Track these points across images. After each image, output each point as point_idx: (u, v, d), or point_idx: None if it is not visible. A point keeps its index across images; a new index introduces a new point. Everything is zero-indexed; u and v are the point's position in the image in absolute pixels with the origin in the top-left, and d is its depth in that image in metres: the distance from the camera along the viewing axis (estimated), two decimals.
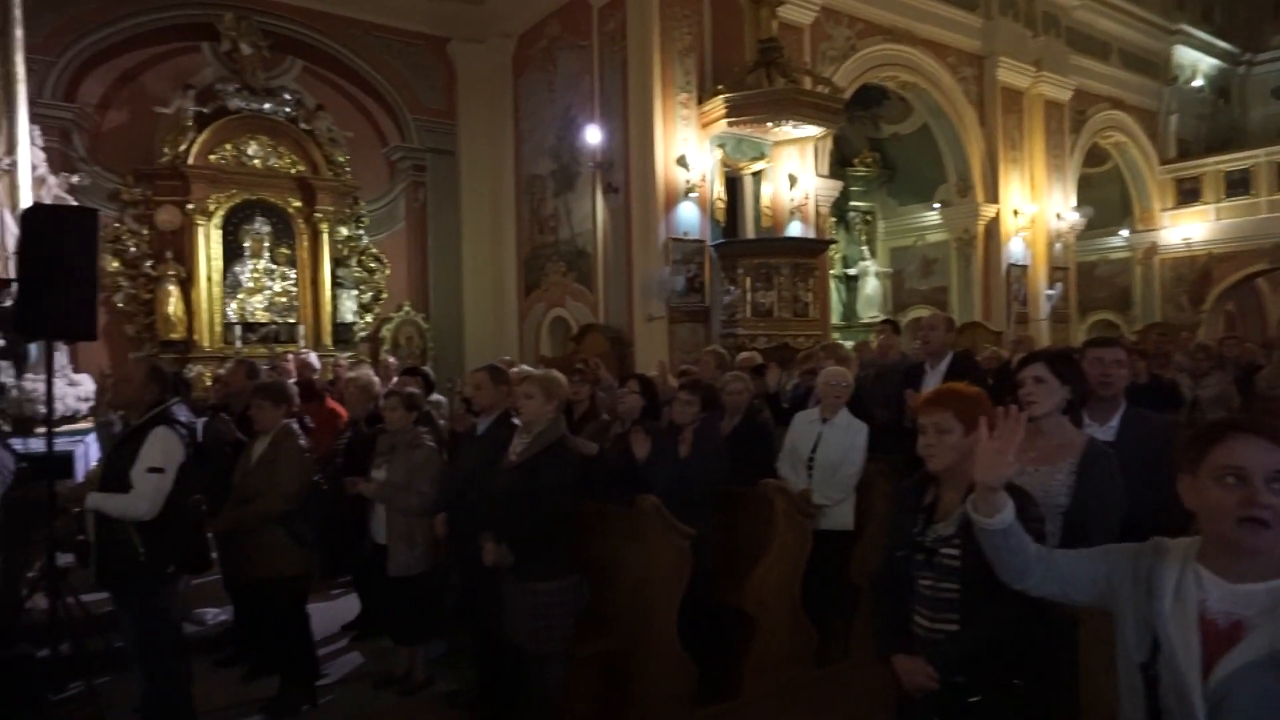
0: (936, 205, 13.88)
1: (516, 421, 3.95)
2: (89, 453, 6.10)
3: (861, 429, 4.70)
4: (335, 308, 11.01)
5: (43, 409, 5.32)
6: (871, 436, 4.75)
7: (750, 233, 10.39)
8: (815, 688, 4.51)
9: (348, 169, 11.25)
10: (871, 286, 14.69)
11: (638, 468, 4.28)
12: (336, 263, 11.09)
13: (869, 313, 14.33)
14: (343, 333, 11.08)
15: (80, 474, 5.56)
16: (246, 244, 10.59)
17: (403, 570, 4.44)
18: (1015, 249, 13.75)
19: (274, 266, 10.76)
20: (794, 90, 9.63)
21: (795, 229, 10.64)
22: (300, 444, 4.34)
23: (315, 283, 10.90)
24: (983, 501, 1.86)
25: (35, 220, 4.42)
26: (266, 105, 10.66)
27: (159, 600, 3.72)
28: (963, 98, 13.02)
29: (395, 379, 6.51)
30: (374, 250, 11.69)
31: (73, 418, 6.54)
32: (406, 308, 11.90)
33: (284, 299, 10.79)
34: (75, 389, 6.70)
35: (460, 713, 4.41)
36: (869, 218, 15.09)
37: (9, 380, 5.61)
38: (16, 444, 4.66)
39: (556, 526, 3.68)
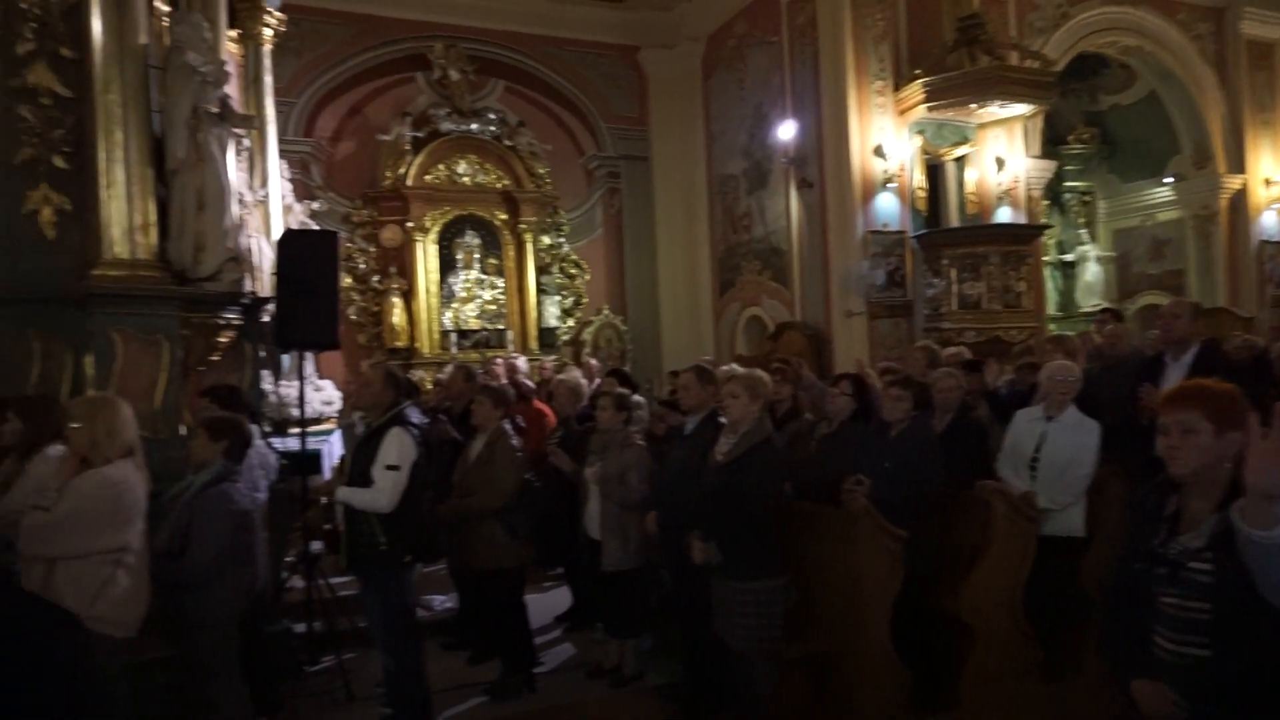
0: (1168, 180, 12.56)
1: (723, 420, 3.97)
2: (332, 451, 6.76)
3: (1093, 428, 4.34)
4: (540, 313, 11.56)
5: (295, 412, 5.96)
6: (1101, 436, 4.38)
7: (954, 221, 9.87)
8: (1041, 704, 4.21)
9: (548, 180, 11.77)
10: (1092, 273, 13.51)
11: (846, 468, 4.18)
12: (540, 270, 11.63)
13: (1089, 301, 13.18)
14: (547, 337, 11.61)
15: (326, 471, 6.17)
16: (459, 256, 11.33)
17: (615, 565, 4.58)
18: (1268, 223, 12.18)
19: (484, 276, 11.44)
20: (999, 68, 9.05)
21: (1004, 215, 9.99)
22: (513, 443, 4.60)
23: (521, 290, 11.49)
24: (1256, 511, 1.66)
25: (288, 244, 4.97)
26: (474, 126, 11.37)
27: (398, 586, 4.07)
28: (1198, 57, 11.70)
29: (598, 380, 6.74)
30: (574, 257, 12.16)
31: (318, 420, 7.29)
32: (605, 311, 12.29)
33: (493, 306, 11.45)
34: (320, 394, 7.46)
35: (670, 706, 4.49)
36: (1087, 198, 13.89)
37: (269, 387, 6.32)
38: (275, 443, 5.24)
39: (764, 526, 3.67)
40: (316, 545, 5.69)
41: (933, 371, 5.07)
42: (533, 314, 11.48)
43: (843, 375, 4.94)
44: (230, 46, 6.37)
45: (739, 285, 11.54)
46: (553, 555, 5.91)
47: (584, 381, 6.01)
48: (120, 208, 4.57)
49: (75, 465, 3.22)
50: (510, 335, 11.33)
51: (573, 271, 12.12)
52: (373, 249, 11.04)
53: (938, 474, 4.20)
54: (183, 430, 4.69)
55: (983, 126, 9.83)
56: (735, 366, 4.76)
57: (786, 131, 9.95)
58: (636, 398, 6.49)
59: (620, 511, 4.60)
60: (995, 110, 9.40)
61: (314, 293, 4.78)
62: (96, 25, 4.64)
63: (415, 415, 4.13)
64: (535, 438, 5.72)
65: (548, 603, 6.24)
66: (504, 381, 6.95)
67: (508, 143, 11.51)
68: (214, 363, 5.01)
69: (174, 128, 4.76)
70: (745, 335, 11.53)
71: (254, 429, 3.98)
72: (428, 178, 11.16)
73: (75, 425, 3.28)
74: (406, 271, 10.97)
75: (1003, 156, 10.04)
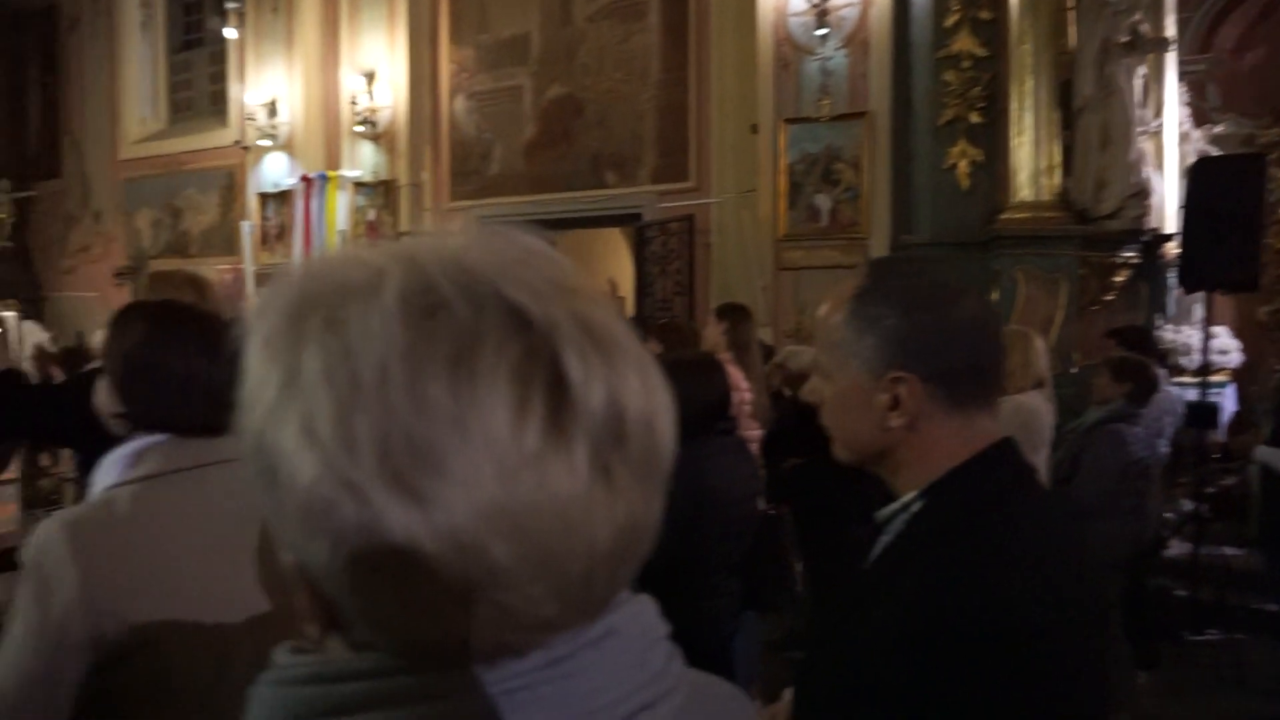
0: None
1: None
2: (1226, 405, 6.05)
3: None
4: None
5: (1186, 359, 5.49)
6: None
7: None
8: None
9: None
10: None
11: None
12: None
13: None
14: None
15: (1221, 426, 5.55)
16: None
17: None
18: None
19: None
20: None
21: None
22: None
23: None
24: None
25: (1200, 174, 4.53)
26: None
27: None
28: None
29: None
30: None
31: (1209, 369, 6.57)
32: None
33: None
34: (1213, 341, 6.70)
35: None
36: None
37: (1166, 331, 5.96)
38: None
39: None
40: (1202, 507, 5.20)
41: None
42: None
43: None
44: None
45: None
46: None
47: None
48: (1028, 153, 4.83)
49: None
50: None
51: None
52: None
53: None
54: (1072, 369, 4.78)
55: None
56: None
57: None
58: None
59: None
60: None
61: (1230, 228, 4.25)
62: None
63: None
64: None
65: None
66: None
67: None
68: (1107, 302, 4.94)
69: (1082, 66, 4.79)
70: None
71: (1161, 374, 3.79)
72: None
73: None
74: None
75: None
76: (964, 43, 5.19)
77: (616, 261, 9.08)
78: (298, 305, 0.42)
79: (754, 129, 6.04)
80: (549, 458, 0.39)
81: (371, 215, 8.09)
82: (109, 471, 1.23)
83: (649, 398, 0.43)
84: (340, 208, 8.09)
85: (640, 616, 0.48)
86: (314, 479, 0.39)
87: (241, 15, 8.76)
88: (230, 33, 8.80)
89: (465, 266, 0.42)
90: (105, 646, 1.11)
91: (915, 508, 0.98)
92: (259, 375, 0.42)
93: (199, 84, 10.26)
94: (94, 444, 2.18)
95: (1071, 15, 5.00)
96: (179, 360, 1.23)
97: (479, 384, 0.39)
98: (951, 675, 0.82)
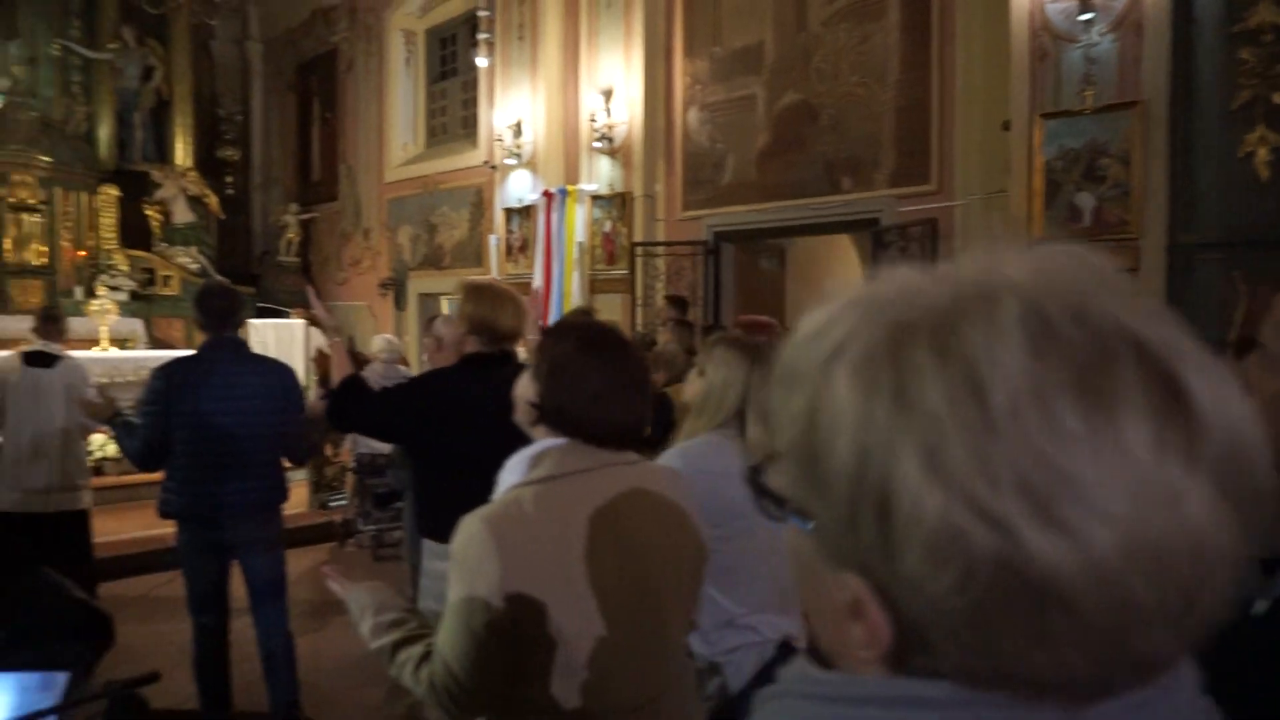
0: None
1: None
2: None
3: None
4: None
5: None
6: None
7: None
8: None
9: None
10: None
11: None
12: None
13: None
14: None
15: None
16: None
17: None
18: None
19: None
20: None
21: None
22: None
23: None
24: None
25: None
26: None
27: None
28: None
29: None
30: None
31: None
32: None
33: None
34: None
35: None
36: None
37: None
38: None
39: None
40: None
41: None
42: None
43: None
44: None
45: None
46: None
47: None
48: None
49: None
50: None
51: None
52: None
53: None
54: None
55: None
56: None
57: None
58: None
59: None
60: None
61: None
62: None
63: None
64: None
65: None
66: None
67: None
68: None
69: None
70: None
71: None
72: None
73: None
74: None
75: None
76: (1266, 14, 4.57)
77: (845, 269, 8.85)
78: (894, 333, 0.41)
79: (1006, 126, 5.67)
80: (1187, 488, 0.37)
81: (608, 227, 8.41)
82: (514, 472, 1.38)
83: (1255, 426, 0.39)
84: (579, 220, 8.48)
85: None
86: (944, 509, 0.38)
87: (491, 45, 9.43)
88: (482, 61, 9.51)
89: (1064, 287, 0.40)
90: (521, 625, 1.25)
91: None
92: (852, 405, 0.41)
93: (453, 110, 11.18)
94: (416, 439, 2.48)
95: None
96: (592, 377, 1.37)
97: (1114, 410, 0.37)
98: None
